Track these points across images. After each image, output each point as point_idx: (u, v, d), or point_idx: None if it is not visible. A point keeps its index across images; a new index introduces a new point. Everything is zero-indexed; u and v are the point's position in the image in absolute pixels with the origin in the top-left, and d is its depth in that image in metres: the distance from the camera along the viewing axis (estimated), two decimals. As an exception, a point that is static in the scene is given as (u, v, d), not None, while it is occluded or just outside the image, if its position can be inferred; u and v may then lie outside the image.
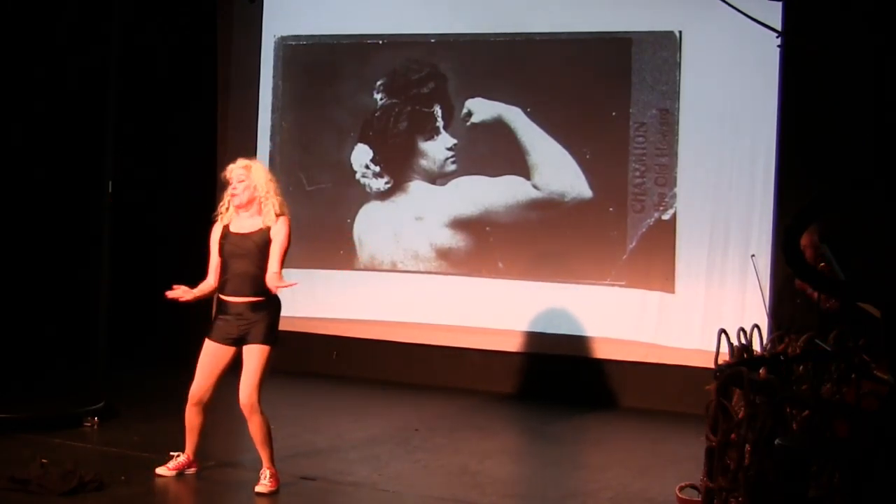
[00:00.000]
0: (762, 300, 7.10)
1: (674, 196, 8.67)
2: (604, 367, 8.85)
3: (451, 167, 9.39)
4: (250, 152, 9.93)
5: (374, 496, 6.07)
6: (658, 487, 6.26)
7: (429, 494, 6.10)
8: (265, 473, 5.90)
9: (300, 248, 9.84)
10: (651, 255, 8.70)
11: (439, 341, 9.33)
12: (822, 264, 6.08)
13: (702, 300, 8.52)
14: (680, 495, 5.50)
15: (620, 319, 8.77)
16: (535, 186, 9.12)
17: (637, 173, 8.78)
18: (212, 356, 5.90)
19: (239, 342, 5.86)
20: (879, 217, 6.86)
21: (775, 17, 7.65)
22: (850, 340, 4.80)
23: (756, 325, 5.62)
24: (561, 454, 7.33)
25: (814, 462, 4.16)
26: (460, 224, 9.36)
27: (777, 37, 7.37)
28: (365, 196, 9.67)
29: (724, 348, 5.26)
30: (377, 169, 9.63)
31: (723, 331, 5.24)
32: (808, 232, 5.92)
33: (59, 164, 9.13)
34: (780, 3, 7.70)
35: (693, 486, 5.42)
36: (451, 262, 9.40)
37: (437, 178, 9.44)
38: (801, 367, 4.83)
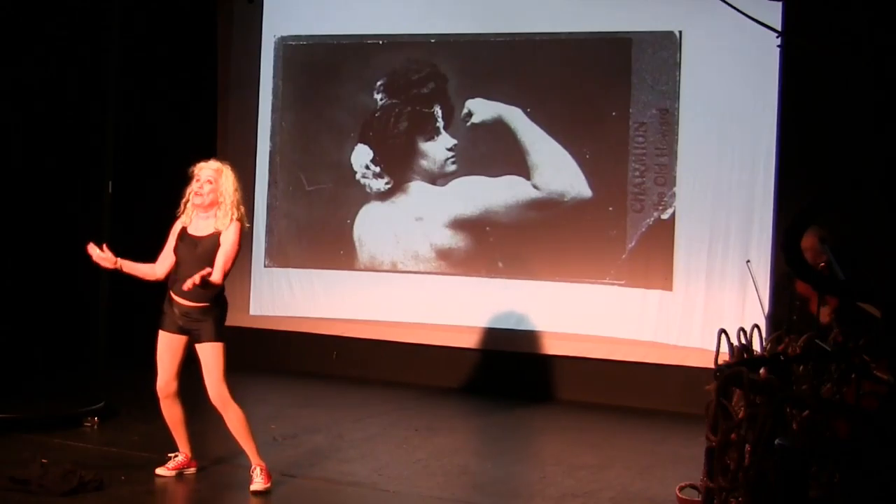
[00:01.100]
0: (760, 304, 7.11)
1: (673, 195, 8.67)
2: (604, 367, 8.85)
3: (451, 167, 9.39)
4: (250, 152, 9.99)
5: (374, 496, 6.07)
6: (658, 487, 6.26)
7: (429, 494, 6.10)
8: (256, 471, 5.90)
9: (300, 249, 9.88)
10: (650, 255, 8.71)
11: (439, 341, 9.33)
12: (822, 265, 6.07)
13: (701, 299, 8.53)
14: (680, 495, 5.50)
15: (620, 319, 8.77)
16: (534, 186, 9.12)
17: (637, 173, 8.79)
18: (167, 346, 5.94)
19: (189, 333, 5.89)
20: (879, 217, 6.86)
21: (775, 17, 7.65)
22: (850, 340, 4.80)
23: (756, 325, 5.63)
24: (561, 454, 7.32)
25: (814, 462, 4.15)
26: (460, 224, 9.37)
27: (777, 37, 7.37)
28: (365, 196, 9.67)
29: (724, 348, 5.26)
30: (377, 169, 9.64)
31: (723, 331, 5.25)
32: (809, 234, 5.91)
33: (59, 164, 9.13)
34: (780, 3, 7.70)
35: (693, 486, 5.42)
36: (451, 262, 9.40)
37: (438, 178, 9.44)
38: (801, 367, 4.82)
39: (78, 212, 9.12)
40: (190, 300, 5.84)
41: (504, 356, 9.18)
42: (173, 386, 5.97)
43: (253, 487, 5.86)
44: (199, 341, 5.88)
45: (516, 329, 9.11)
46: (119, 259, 5.93)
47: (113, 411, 7.46)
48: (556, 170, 9.05)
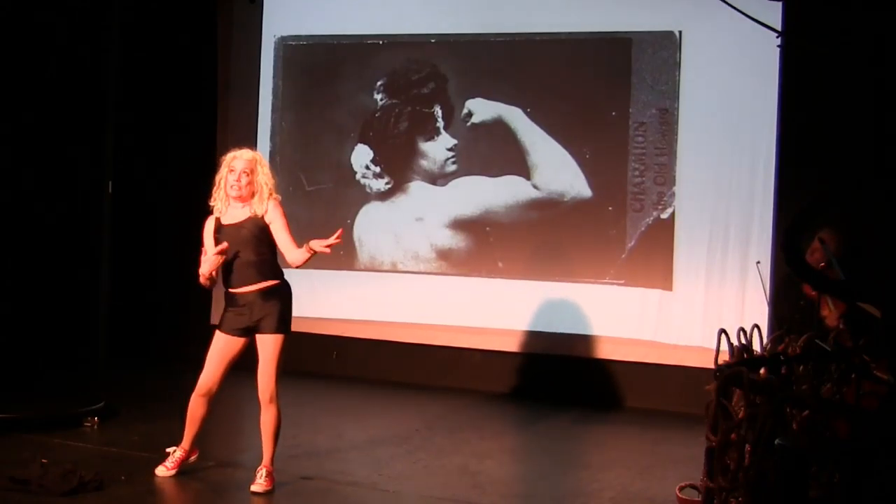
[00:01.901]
0: (766, 305, 7.09)
1: (673, 195, 8.67)
2: (604, 367, 8.85)
3: (451, 167, 9.39)
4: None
5: (374, 496, 6.07)
6: (658, 487, 6.26)
7: (429, 494, 6.10)
8: (262, 472, 5.88)
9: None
10: (650, 254, 8.71)
11: (439, 341, 9.33)
12: (822, 265, 6.07)
13: (701, 299, 8.52)
14: (680, 495, 5.50)
15: (620, 318, 8.76)
16: (535, 186, 9.12)
17: (636, 172, 8.79)
18: (221, 347, 5.90)
19: (249, 332, 5.86)
20: (879, 217, 6.86)
21: (775, 17, 7.65)
22: (850, 340, 4.80)
23: (756, 325, 5.62)
24: (561, 454, 7.32)
25: (814, 462, 4.15)
26: (460, 224, 9.36)
27: (777, 37, 7.36)
28: (365, 197, 9.67)
29: (724, 348, 5.26)
30: (377, 169, 9.64)
31: (723, 331, 5.25)
32: (824, 238, 5.88)
33: (59, 164, 9.13)
34: (780, 3, 7.69)
35: (693, 486, 5.42)
36: (451, 262, 9.40)
37: (438, 178, 9.44)
38: (801, 367, 4.82)
39: (78, 212, 9.12)
40: (252, 283, 5.79)
41: (504, 356, 9.17)
42: (214, 388, 5.94)
43: (254, 488, 5.85)
44: (262, 331, 5.82)
45: (516, 329, 9.10)
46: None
47: (113, 411, 7.46)
48: (556, 170, 9.05)
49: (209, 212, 5.98)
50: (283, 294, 5.91)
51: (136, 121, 9.54)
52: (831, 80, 7.80)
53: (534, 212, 9.12)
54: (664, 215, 8.70)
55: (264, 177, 5.93)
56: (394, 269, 9.55)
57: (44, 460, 5.92)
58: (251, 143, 9.95)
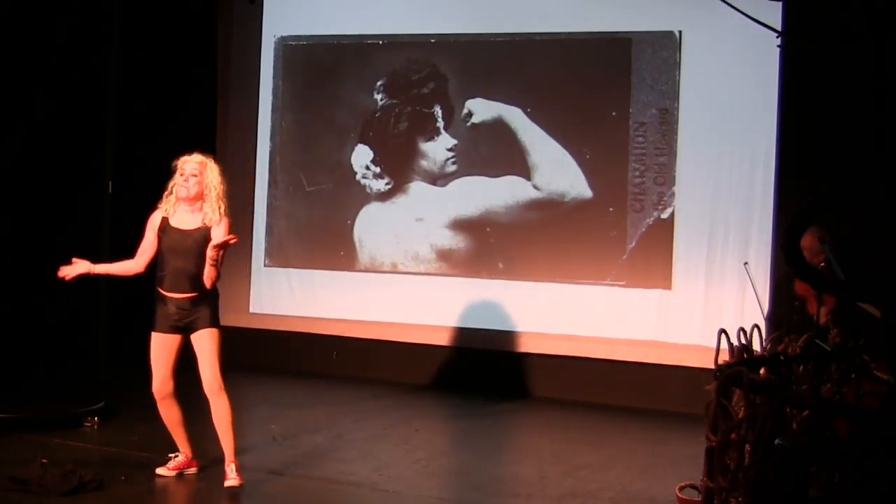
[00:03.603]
0: (759, 306, 7.09)
1: (672, 195, 8.67)
2: (604, 367, 8.84)
3: (451, 168, 9.39)
4: (250, 152, 9.99)
5: (374, 496, 6.07)
6: (658, 487, 6.26)
7: (429, 494, 6.10)
8: (231, 467, 5.88)
9: (300, 249, 9.87)
10: (650, 255, 8.71)
11: (439, 341, 9.33)
12: (822, 265, 6.07)
13: (701, 299, 8.53)
14: (680, 495, 5.49)
15: (620, 319, 8.77)
16: (535, 186, 9.12)
17: (637, 173, 8.79)
18: (161, 347, 5.93)
19: (183, 330, 5.90)
20: (879, 217, 6.86)
21: (775, 17, 7.65)
22: (850, 340, 4.79)
23: (756, 325, 5.62)
24: (561, 454, 7.32)
25: (814, 462, 4.15)
26: (461, 225, 9.37)
27: (777, 37, 7.37)
28: (365, 197, 9.67)
29: (724, 347, 5.26)
30: (377, 170, 9.64)
31: (723, 331, 5.24)
32: (808, 234, 5.90)
33: (59, 164, 9.12)
34: (780, 3, 7.70)
35: (693, 486, 5.42)
36: (451, 263, 9.40)
37: (438, 178, 9.44)
38: (801, 367, 4.82)
39: (78, 212, 9.12)
40: (184, 292, 5.85)
41: (504, 356, 9.17)
42: (169, 387, 5.97)
43: (228, 483, 5.84)
44: (195, 330, 5.87)
45: (516, 330, 9.10)
46: (90, 263, 5.94)
47: (113, 411, 7.46)
48: (557, 170, 9.05)
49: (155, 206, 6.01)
50: (210, 299, 5.94)
51: (135, 120, 9.53)
52: (831, 80, 7.80)
53: (534, 212, 9.12)
54: (664, 215, 8.70)
55: (213, 179, 5.94)
56: (394, 271, 9.55)
57: (44, 460, 5.92)
58: (251, 143, 9.99)
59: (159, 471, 6.05)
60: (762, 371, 4.81)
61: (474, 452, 7.09)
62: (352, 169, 9.72)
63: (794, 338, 5.19)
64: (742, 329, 5.35)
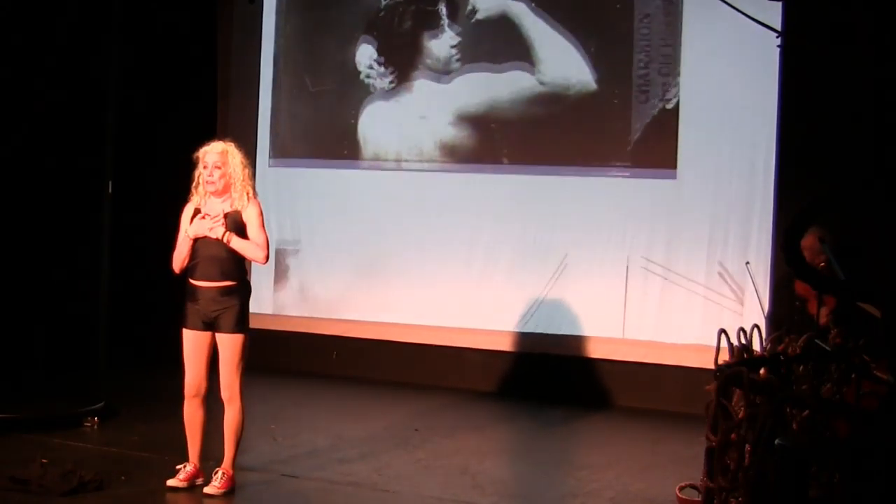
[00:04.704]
0: (759, 305, 7.10)
1: (678, 85, 8.64)
2: (603, 367, 8.85)
3: (455, 64, 9.38)
4: (250, 152, 9.96)
5: (374, 496, 6.07)
6: (658, 487, 6.26)
7: (429, 494, 6.10)
8: (219, 474, 5.81)
9: (305, 147, 9.88)
10: (655, 144, 8.70)
11: (439, 341, 9.33)
12: (822, 265, 6.07)
13: (701, 298, 8.53)
14: (680, 495, 5.49)
15: (620, 318, 8.77)
16: (540, 80, 9.09)
17: (641, 63, 8.76)
18: (194, 344, 5.83)
19: (212, 326, 5.80)
20: (879, 217, 6.85)
21: (775, 17, 7.65)
22: (851, 340, 4.79)
23: (756, 325, 5.62)
24: (561, 454, 7.33)
25: (814, 462, 4.15)
26: (465, 119, 9.35)
27: (777, 37, 7.36)
28: (369, 95, 9.67)
29: (724, 346, 5.26)
30: (381, 68, 9.62)
31: (723, 331, 5.24)
32: (809, 234, 5.90)
33: (59, 164, 9.12)
34: (780, 3, 7.69)
35: (693, 486, 5.42)
36: (456, 157, 9.41)
37: (442, 74, 9.42)
38: (801, 367, 4.82)
39: (78, 212, 9.12)
40: (214, 280, 5.76)
41: (504, 356, 9.18)
42: (203, 386, 5.86)
43: (207, 490, 5.78)
44: (222, 330, 5.77)
45: (516, 329, 9.11)
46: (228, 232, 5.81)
47: (113, 411, 7.46)
48: (561, 62, 9.01)
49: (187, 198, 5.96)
50: (241, 294, 5.86)
51: (135, 119, 9.54)
52: (831, 80, 7.80)
53: (539, 106, 9.08)
54: (669, 106, 8.68)
55: (237, 166, 5.88)
56: (398, 168, 9.56)
57: (44, 460, 5.92)
58: (251, 143, 9.99)
59: (171, 483, 5.89)
60: (762, 371, 4.81)
61: (474, 452, 7.09)
62: (356, 67, 9.70)
63: (795, 338, 5.19)
64: (742, 329, 5.35)
